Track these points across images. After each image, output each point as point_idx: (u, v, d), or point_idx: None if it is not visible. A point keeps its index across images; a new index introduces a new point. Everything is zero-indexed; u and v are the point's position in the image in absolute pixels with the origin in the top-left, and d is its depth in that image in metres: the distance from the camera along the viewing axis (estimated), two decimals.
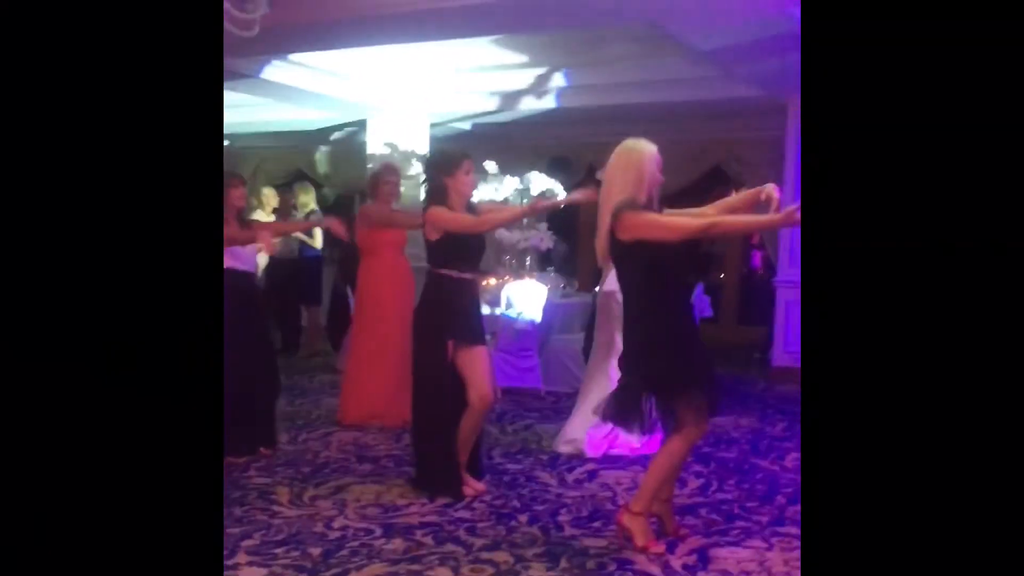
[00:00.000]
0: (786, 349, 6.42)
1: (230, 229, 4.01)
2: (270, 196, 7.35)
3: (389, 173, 4.92)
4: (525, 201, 6.54)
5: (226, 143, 4.58)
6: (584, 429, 4.25)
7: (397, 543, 3.03)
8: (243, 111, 7.64)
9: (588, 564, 2.87)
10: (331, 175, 9.38)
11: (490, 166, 6.47)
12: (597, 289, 4.65)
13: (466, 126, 8.21)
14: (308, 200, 7.31)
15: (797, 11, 4.24)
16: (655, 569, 2.83)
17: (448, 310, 3.49)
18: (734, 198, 3.06)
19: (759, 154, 7.65)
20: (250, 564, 2.82)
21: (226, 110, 3.91)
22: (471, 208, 3.61)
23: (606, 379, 4.25)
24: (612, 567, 2.84)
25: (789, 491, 3.72)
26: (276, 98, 7.04)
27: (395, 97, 7.30)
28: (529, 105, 7.22)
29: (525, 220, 5.64)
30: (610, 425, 4.12)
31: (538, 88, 6.97)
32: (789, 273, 6.42)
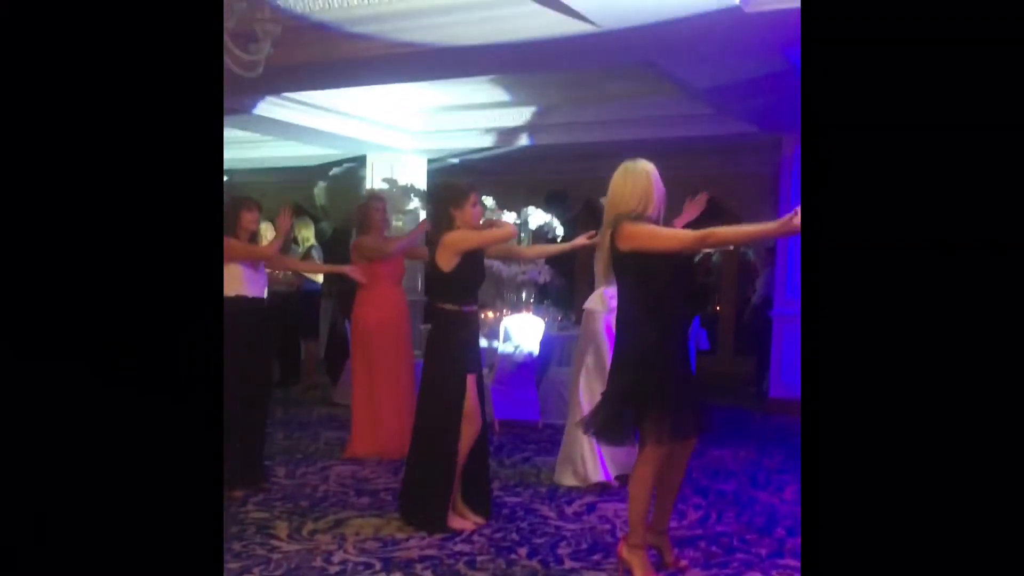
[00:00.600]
0: (783, 380, 6.44)
1: (246, 245, 4.07)
2: (267, 231, 7.41)
3: (376, 202, 4.97)
4: (523, 235, 6.63)
5: (225, 179, 4.66)
6: (580, 455, 4.24)
7: None
8: (242, 148, 7.74)
9: None
10: (329, 209, 9.46)
11: (488, 201, 6.55)
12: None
13: (463, 162, 8.31)
14: (308, 235, 7.38)
15: (790, 49, 4.36)
16: None
17: (460, 344, 3.53)
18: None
19: (754, 190, 7.76)
20: None
21: (225, 147, 3.98)
22: None
23: (579, 396, 4.25)
24: None
25: (788, 523, 3.72)
26: (275, 135, 7.14)
27: (393, 134, 7.41)
28: (526, 141, 7.32)
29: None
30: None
31: (534, 124, 7.08)
32: (786, 305, 6.47)
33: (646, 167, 2.97)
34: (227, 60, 3.36)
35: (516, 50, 4.33)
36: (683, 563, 3.15)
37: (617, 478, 4.23)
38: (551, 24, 3.94)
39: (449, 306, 3.54)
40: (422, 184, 7.81)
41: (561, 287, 7.53)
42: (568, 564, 3.19)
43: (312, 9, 4.17)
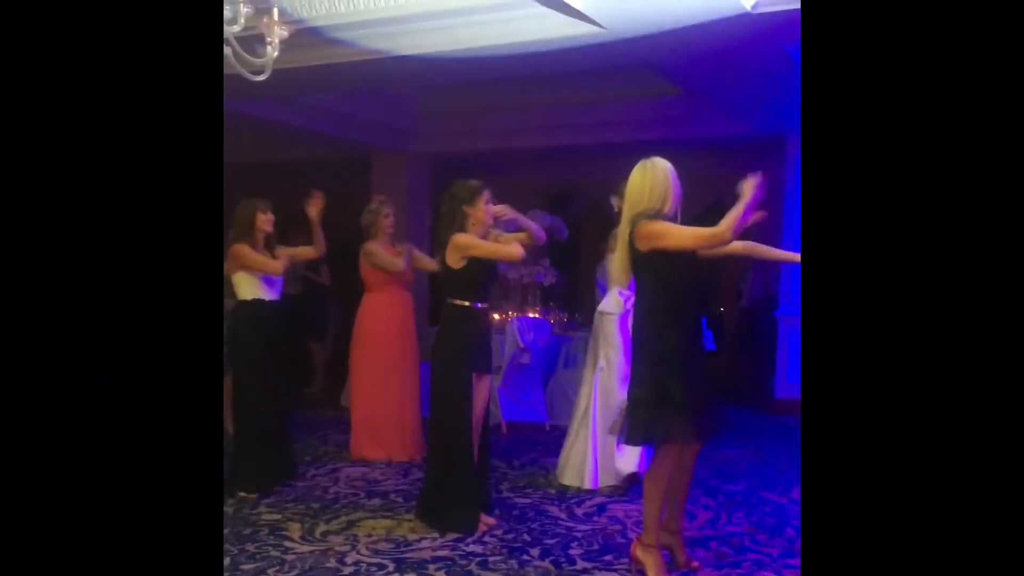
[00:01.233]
0: (788, 381, 6.45)
1: (262, 256, 4.09)
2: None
3: (386, 207, 4.99)
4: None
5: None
6: (588, 457, 4.26)
7: None
8: (247, 151, 7.75)
9: None
10: (333, 212, 9.47)
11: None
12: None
13: (468, 163, 8.33)
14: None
15: (794, 49, 4.38)
16: None
17: (469, 341, 3.54)
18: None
19: (756, 191, 7.74)
20: None
21: (229, 151, 3.98)
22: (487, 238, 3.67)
23: (594, 397, 4.27)
24: None
25: (797, 523, 3.73)
26: (280, 138, 7.15)
27: (397, 135, 7.43)
28: (531, 143, 7.33)
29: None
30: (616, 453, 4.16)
31: (540, 126, 7.10)
32: (790, 305, 6.49)
33: (664, 165, 2.99)
34: (235, 63, 3.38)
35: (521, 53, 4.34)
36: (695, 564, 3.17)
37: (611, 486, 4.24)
38: (558, 26, 3.96)
39: (459, 302, 3.56)
40: (427, 188, 7.82)
41: (566, 289, 7.55)
42: (580, 564, 3.21)
43: (317, 13, 4.19)
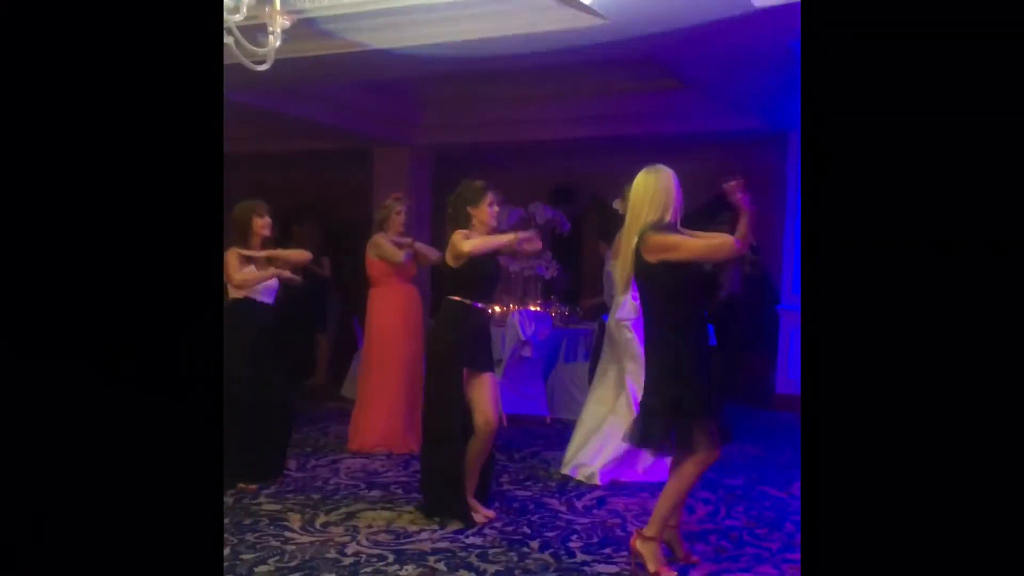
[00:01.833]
0: (788, 376, 6.45)
1: (255, 265, 4.08)
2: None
3: (399, 204, 4.99)
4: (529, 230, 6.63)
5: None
6: (596, 456, 4.26)
7: (410, 569, 3.05)
8: (248, 142, 7.74)
9: None
10: (335, 205, 9.46)
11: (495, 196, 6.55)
12: (605, 317, 4.69)
13: (468, 156, 8.32)
14: (316, 232, 7.40)
15: (795, 43, 4.36)
16: None
17: (462, 337, 3.54)
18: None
19: (761, 185, 7.73)
20: None
21: (232, 141, 3.96)
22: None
23: (614, 405, 4.28)
24: None
25: (797, 518, 3.74)
26: (282, 129, 7.14)
27: (398, 127, 7.41)
28: (531, 136, 7.32)
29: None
30: (619, 454, 4.17)
31: (541, 119, 7.08)
32: (791, 301, 6.48)
33: (667, 174, 3.00)
34: (237, 52, 3.37)
35: (524, 45, 4.33)
36: (694, 558, 3.18)
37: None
38: (560, 19, 3.95)
39: (456, 298, 3.56)
40: (428, 180, 7.81)
41: (567, 282, 7.55)
42: (580, 557, 3.21)
43: (320, 3, 4.18)
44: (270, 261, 4.19)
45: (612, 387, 4.41)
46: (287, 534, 3.42)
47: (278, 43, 3.78)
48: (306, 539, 3.37)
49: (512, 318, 5.98)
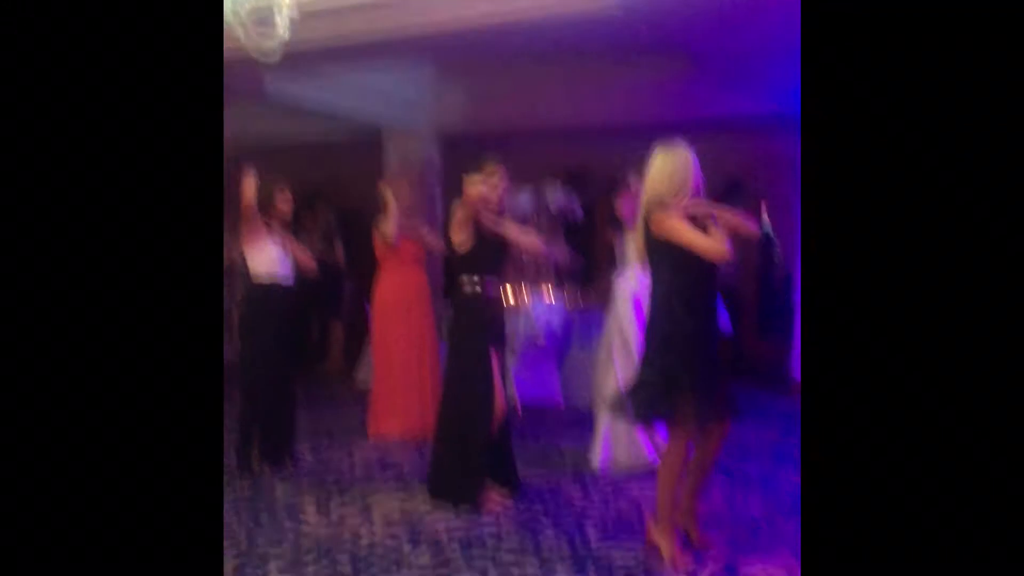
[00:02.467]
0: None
1: (278, 233, 4.08)
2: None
3: (401, 186, 4.96)
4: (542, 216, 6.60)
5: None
6: (619, 442, 4.24)
7: (425, 553, 3.04)
8: (259, 127, 7.72)
9: None
10: (346, 190, 9.46)
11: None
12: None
13: (481, 140, 8.27)
14: (330, 217, 7.39)
15: None
16: None
17: (486, 322, 3.54)
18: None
19: (775, 171, 7.67)
20: (281, 573, 2.84)
21: (243, 125, 3.94)
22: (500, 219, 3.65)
23: (610, 377, 4.24)
24: None
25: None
26: (292, 114, 7.12)
27: (409, 111, 7.37)
28: (545, 120, 7.26)
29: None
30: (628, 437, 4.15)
31: (554, 103, 7.03)
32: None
33: (684, 153, 2.97)
34: (246, 44, 3.35)
35: (538, 28, 4.29)
36: (710, 544, 3.15)
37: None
38: (575, 1, 3.90)
39: (467, 281, 3.54)
40: (440, 164, 7.79)
41: (581, 267, 7.50)
42: (595, 543, 3.20)
43: None
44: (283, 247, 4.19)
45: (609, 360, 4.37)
46: (302, 519, 3.43)
47: (287, 36, 3.77)
48: (321, 524, 3.37)
49: (525, 304, 5.96)
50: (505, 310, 3.78)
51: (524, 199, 6.22)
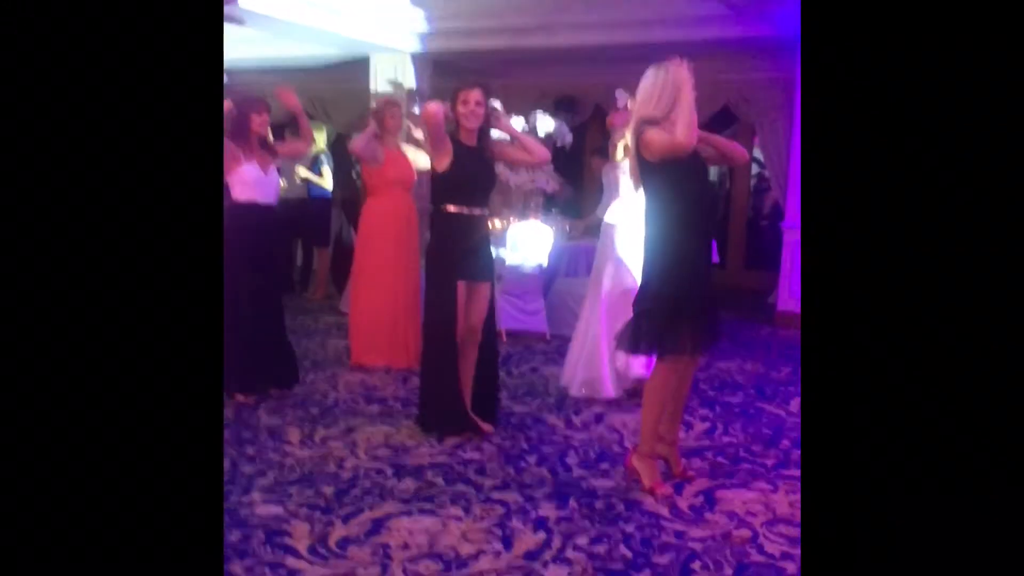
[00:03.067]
0: (791, 294, 6.42)
1: (255, 155, 3.97)
2: (300, 171, 7.21)
3: (392, 107, 4.83)
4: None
5: (225, 79, 4.47)
6: (597, 369, 4.26)
7: (408, 483, 3.07)
8: (244, 47, 7.47)
9: (596, 504, 2.91)
10: (333, 113, 9.24)
11: (495, 104, 6.35)
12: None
13: (470, 64, 8.04)
14: (318, 138, 7.20)
15: None
16: (662, 510, 2.88)
17: (458, 249, 3.49)
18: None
19: (769, 95, 7.52)
20: (265, 502, 2.86)
21: (226, 45, 3.78)
22: (484, 140, 3.56)
23: (599, 310, 4.24)
24: (620, 507, 2.89)
25: (794, 435, 3.76)
26: (277, 34, 6.88)
27: (397, 34, 7.14)
28: (534, 43, 7.05)
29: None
30: (619, 362, 4.17)
31: (544, 25, 6.80)
32: (796, 218, 6.38)
33: (677, 70, 2.87)
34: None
35: None
36: (690, 473, 3.20)
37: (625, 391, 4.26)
38: None
39: (450, 207, 3.48)
40: (427, 87, 7.59)
41: (569, 196, 7.42)
42: (576, 472, 3.24)
43: None
44: (272, 155, 4.07)
45: (594, 296, 4.36)
46: (286, 448, 3.45)
47: None
48: (305, 453, 3.39)
49: (512, 232, 5.90)
50: (489, 236, 3.72)
51: (512, 123, 6.07)
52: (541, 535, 2.66)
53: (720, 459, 3.43)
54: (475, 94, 3.47)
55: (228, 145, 3.88)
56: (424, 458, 3.35)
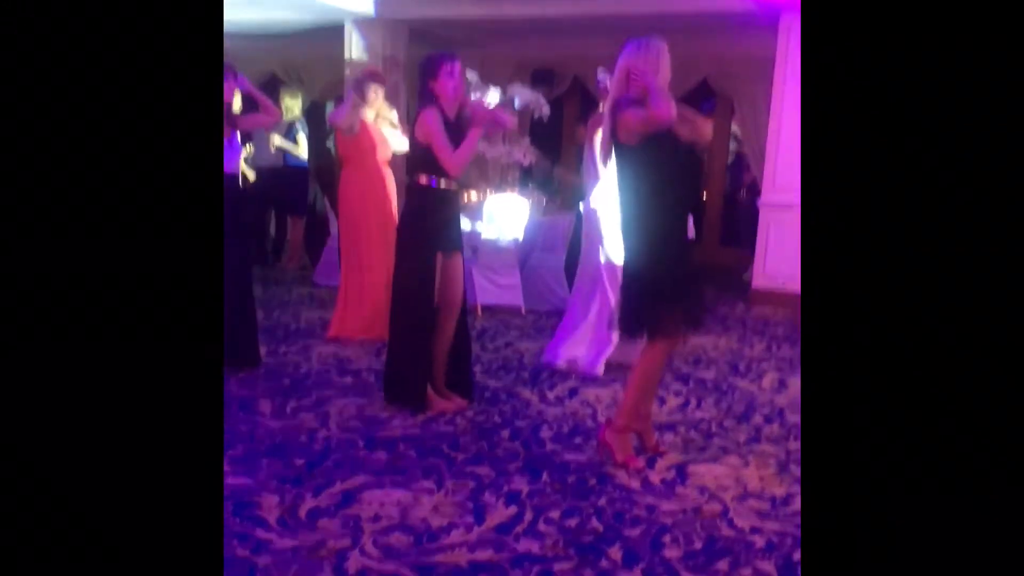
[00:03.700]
0: (766, 271, 6.45)
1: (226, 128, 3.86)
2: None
3: (374, 78, 4.75)
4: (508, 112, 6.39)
5: None
6: (584, 347, 4.25)
7: (381, 455, 3.05)
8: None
9: (569, 479, 2.91)
10: (307, 80, 9.07)
11: (471, 76, 6.26)
12: (582, 205, 4.59)
13: (446, 34, 7.92)
14: (293, 105, 7.06)
15: None
16: (634, 484, 2.89)
17: (433, 221, 3.44)
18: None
19: (749, 71, 7.49)
20: (235, 473, 2.83)
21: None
22: (462, 113, 3.51)
23: (595, 294, 4.24)
24: (592, 481, 2.90)
25: (766, 411, 3.79)
26: (255, 2, 6.71)
27: (372, 2, 7.00)
28: (512, 13, 6.95)
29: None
30: (608, 345, 4.18)
31: None
32: (773, 194, 6.39)
33: (657, 47, 2.86)
34: None
35: None
36: (662, 448, 3.21)
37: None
38: None
39: (423, 179, 3.44)
40: (403, 55, 7.47)
41: (546, 169, 7.37)
42: (550, 447, 3.24)
43: None
44: (231, 124, 3.95)
45: (591, 276, 4.36)
46: (257, 419, 3.41)
47: None
48: (276, 424, 3.35)
49: (488, 205, 5.85)
50: (463, 209, 3.68)
51: (487, 95, 5.99)
52: (513, 509, 2.65)
53: (692, 434, 3.45)
54: (458, 65, 3.42)
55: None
56: (396, 430, 3.33)
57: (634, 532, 2.53)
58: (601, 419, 3.53)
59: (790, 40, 6.15)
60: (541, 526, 2.54)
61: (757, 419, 3.68)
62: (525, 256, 5.87)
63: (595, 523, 2.58)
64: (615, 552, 2.40)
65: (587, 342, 4.27)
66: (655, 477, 2.96)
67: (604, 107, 4.15)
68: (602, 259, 4.21)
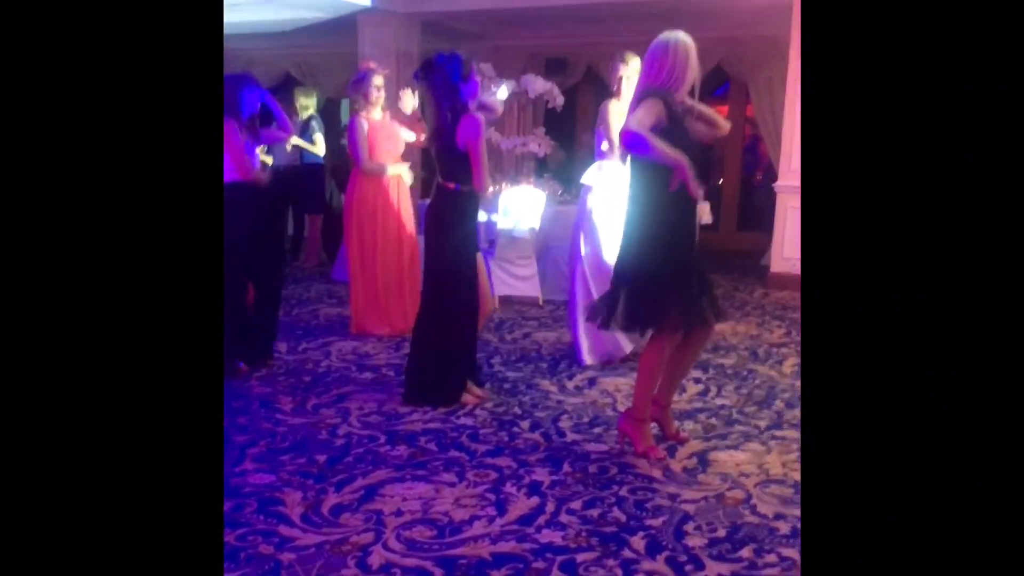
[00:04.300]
0: (784, 255, 6.39)
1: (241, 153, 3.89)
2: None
3: (376, 77, 4.73)
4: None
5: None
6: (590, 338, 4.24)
7: (402, 450, 3.07)
8: (230, 13, 7.31)
9: (590, 468, 2.91)
10: (321, 77, 9.10)
11: (485, 68, 6.25)
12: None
13: (459, 26, 7.91)
14: (309, 104, 7.08)
15: None
16: (656, 473, 2.88)
17: (473, 225, 3.52)
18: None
19: (761, 53, 7.42)
20: (257, 471, 2.86)
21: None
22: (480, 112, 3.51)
23: (584, 282, 4.22)
24: (614, 471, 2.89)
25: (787, 396, 3.77)
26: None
27: None
28: (525, 3, 6.92)
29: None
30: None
31: None
32: (789, 178, 6.33)
33: (687, 44, 2.85)
34: None
35: None
36: (683, 435, 3.20)
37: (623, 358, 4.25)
38: None
39: (450, 186, 3.43)
40: (416, 50, 7.47)
41: (561, 160, 7.34)
42: (570, 437, 3.24)
43: None
44: (254, 137, 3.99)
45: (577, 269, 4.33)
46: (278, 416, 3.44)
47: None
48: (297, 421, 3.38)
49: (504, 197, 5.83)
50: (482, 203, 3.69)
51: (503, 87, 5.98)
52: (535, 500, 2.66)
53: (713, 421, 3.44)
54: (472, 68, 3.42)
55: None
56: (417, 424, 3.35)
57: (657, 521, 2.52)
58: (620, 408, 3.53)
59: (799, 25, 6.07)
60: (563, 517, 2.54)
61: (778, 404, 3.66)
62: (541, 247, 5.86)
63: (617, 513, 2.58)
64: (638, 542, 2.40)
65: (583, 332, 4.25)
66: (676, 465, 2.95)
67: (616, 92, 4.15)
68: (583, 251, 4.18)
